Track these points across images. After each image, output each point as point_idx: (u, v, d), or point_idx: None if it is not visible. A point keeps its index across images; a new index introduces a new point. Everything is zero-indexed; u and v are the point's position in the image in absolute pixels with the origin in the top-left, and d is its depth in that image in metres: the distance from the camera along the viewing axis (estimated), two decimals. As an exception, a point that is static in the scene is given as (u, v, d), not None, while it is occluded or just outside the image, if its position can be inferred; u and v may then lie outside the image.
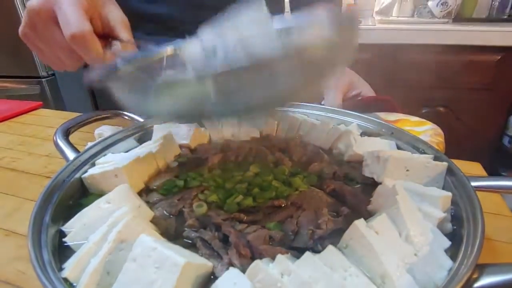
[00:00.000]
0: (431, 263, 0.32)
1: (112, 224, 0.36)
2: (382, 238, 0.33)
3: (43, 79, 2.38)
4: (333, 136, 0.59)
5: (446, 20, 2.23)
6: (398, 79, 2.36)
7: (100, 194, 0.46)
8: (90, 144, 0.55)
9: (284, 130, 0.64)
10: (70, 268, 0.33)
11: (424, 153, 0.51)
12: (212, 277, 0.33)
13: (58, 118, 1.19)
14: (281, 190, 0.46)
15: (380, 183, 0.45)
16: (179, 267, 0.29)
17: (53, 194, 0.43)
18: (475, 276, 0.30)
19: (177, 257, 0.29)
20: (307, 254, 0.31)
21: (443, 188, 0.45)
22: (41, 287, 0.30)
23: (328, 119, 0.65)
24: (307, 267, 0.30)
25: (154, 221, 0.42)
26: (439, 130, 0.71)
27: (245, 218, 0.41)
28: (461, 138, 2.28)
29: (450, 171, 0.45)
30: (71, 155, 0.52)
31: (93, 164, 0.51)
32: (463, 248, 0.33)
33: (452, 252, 0.34)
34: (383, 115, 0.79)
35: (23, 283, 0.48)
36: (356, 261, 0.32)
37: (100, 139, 0.56)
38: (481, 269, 0.31)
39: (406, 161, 0.45)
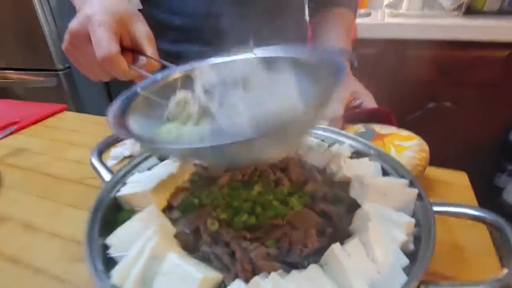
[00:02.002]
0: (390, 279, 0.42)
1: (145, 241, 0.47)
2: (353, 259, 0.43)
3: (59, 72, 2.47)
4: (327, 157, 0.68)
5: (456, 13, 2.22)
6: (405, 74, 2.39)
7: (132, 210, 0.57)
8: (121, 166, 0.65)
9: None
10: (116, 276, 0.44)
11: (402, 177, 0.60)
12: (222, 286, 0.44)
13: (80, 121, 1.30)
14: (280, 210, 0.56)
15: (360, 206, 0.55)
16: (198, 281, 0.39)
17: (97, 213, 0.54)
18: (420, 289, 0.40)
19: (196, 273, 0.40)
20: (293, 272, 0.42)
21: (414, 211, 0.54)
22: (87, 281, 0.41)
23: (325, 137, 0.74)
24: (293, 283, 0.40)
25: (176, 236, 0.52)
26: (425, 146, 0.79)
27: (249, 236, 0.51)
28: (467, 133, 2.32)
29: (419, 196, 0.54)
30: (106, 175, 0.63)
31: (124, 183, 0.62)
32: (415, 265, 0.43)
33: (410, 269, 0.44)
34: (378, 127, 0.87)
35: (71, 279, 0.60)
36: (332, 277, 0.42)
37: (129, 161, 0.66)
38: (425, 285, 0.41)
39: (384, 188, 0.55)
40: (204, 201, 0.60)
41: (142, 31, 0.60)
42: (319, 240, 0.48)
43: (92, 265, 0.43)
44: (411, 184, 0.57)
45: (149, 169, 0.68)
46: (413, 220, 0.49)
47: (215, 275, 0.43)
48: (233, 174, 0.66)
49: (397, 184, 0.56)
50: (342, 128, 0.90)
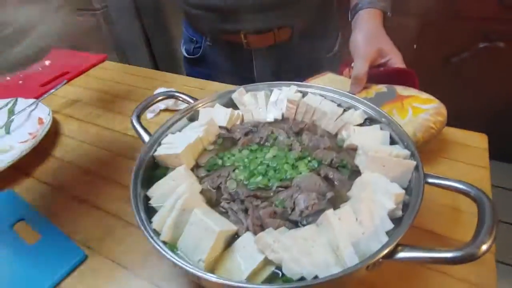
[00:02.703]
0: (373, 240, 0.51)
1: (176, 197, 0.59)
2: (342, 222, 0.52)
3: (97, 11, 2.51)
4: (338, 125, 0.74)
5: None
6: (457, 8, 2.18)
7: (167, 167, 0.69)
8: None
9: (301, 114, 0.79)
10: (155, 223, 0.57)
11: (406, 147, 0.65)
12: (236, 236, 0.56)
13: (122, 72, 1.40)
14: (289, 173, 0.65)
15: (362, 173, 0.62)
16: (216, 233, 0.51)
17: (139, 170, 0.66)
18: (397, 249, 0.49)
19: (215, 226, 0.51)
20: (292, 230, 0.52)
21: (410, 180, 0.60)
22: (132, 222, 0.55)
23: (341, 102, 0.78)
24: (290, 238, 0.51)
25: (202, 192, 0.64)
26: (442, 110, 0.80)
27: (261, 194, 0.61)
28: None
29: (416, 168, 0.60)
30: (145, 136, 0.75)
31: (160, 144, 0.73)
32: (397, 230, 0.51)
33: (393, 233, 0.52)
34: (400, 89, 0.88)
35: (123, 216, 0.76)
36: (323, 236, 0.52)
37: (162, 124, 0.77)
38: (403, 247, 0.49)
39: (384, 159, 0.60)
40: (226, 162, 0.70)
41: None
42: (319, 203, 0.57)
43: (137, 214, 0.56)
44: (412, 156, 0.62)
45: (179, 130, 0.78)
46: (402, 192, 0.55)
47: (230, 228, 0.54)
48: (252, 137, 0.75)
49: (397, 155, 0.62)
50: (365, 87, 0.92)
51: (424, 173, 0.58)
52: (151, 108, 1.09)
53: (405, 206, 0.56)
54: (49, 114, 1.06)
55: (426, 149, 0.81)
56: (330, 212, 0.53)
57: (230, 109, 0.79)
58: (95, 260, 0.70)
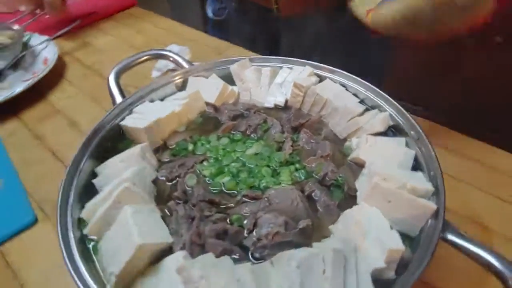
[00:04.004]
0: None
1: (116, 185, 0.47)
2: (303, 273, 0.37)
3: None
4: (351, 128, 0.56)
5: None
6: None
7: (133, 140, 0.58)
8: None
9: (308, 104, 0.62)
10: (86, 210, 0.47)
11: (431, 179, 0.46)
12: (170, 249, 0.43)
13: (147, 22, 1.29)
14: (265, 181, 0.50)
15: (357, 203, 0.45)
16: (135, 246, 0.39)
17: (91, 140, 0.55)
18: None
19: (136, 238, 0.40)
20: (235, 265, 0.38)
21: (421, 230, 0.43)
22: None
23: (365, 97, 0.60)
24: (225, 277, 0.37)
25: (155, 182, 0.52)
26: None
27: (219, 201, 0.48)
28: None
29: (436, 214, 0.42)
30: (118, 98, 0.64)
31: (131, 112, 0.61)
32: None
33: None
34: None
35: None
36: (275, 282, 0.38)
37: (143, 86, 0.64)
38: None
39: (392, 192, 0.43)
40: (197, 149, 0.57)
41: None
42: (283, 234, 0.42)
43: (60, 197, 0.46)
44: (436, 194, 0.44)
45: (161, 99, 0.65)
46: (401, 248, 0.38)
47: (159, 241, 0.42)
48: (238, 123, 0.60)
49: (414, 189, 0.44)
50: None
51: (445, 224, 0.40)
52: (157, 66, 0.97)
53: (403, 265, 0.39)
54: (54, 55, 1.00)
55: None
56: (289, 253, 0.38)
57: (222, 83, 0.64)
58: (44, 227, 0.63)
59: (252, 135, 0.59)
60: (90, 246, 0.45)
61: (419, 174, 0.48)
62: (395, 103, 0.57)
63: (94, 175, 0.53)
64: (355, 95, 0.62)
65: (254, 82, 0.65)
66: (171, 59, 0.70)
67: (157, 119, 0.57)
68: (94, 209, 0.47)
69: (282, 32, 1.09)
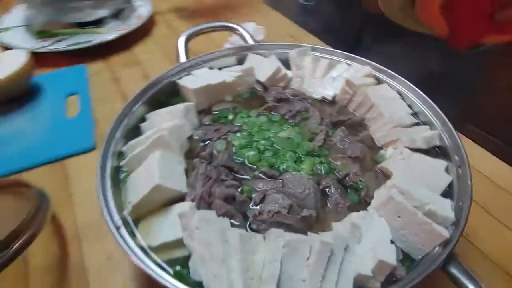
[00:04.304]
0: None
1: (156, 131, 0.53)
2: (287, 254, 0.38)
3: None
4: (391, 136, 0.53)
5: None
6: None
7: (184, 99, 0.64)
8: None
9: (355, 104, 0.60)
10: (128, 146, 0.54)
11: (456, 209, 0.43)
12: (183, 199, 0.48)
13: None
14: (286, 164, 0.51)
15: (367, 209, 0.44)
16: (153, 184, 0.44)
17: (152, 88, 0.62)
18: None
19: (156, 178, 0.45)
20: (231, 229, 0.41)
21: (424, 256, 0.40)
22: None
23: (414, 113, 0.57)
24: (217, 234, 0.40)
25: (190, 138, 0.57)
26: None
27: (237, 170, 0.51)
28: None
29: (446, 244, 0.39)
30: (182, 58, 0.70)
31: (189, 73, 0.67)
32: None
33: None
34: None
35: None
36: (258, 255, 0.40)
37: (206, 53, 0.69)
38: None
39: (406, 210, 0.41)
40: (236, 119, 0.60)
41: None
42: (284, 216, 0.44)
43: (113, 131, 0.53)
44: (456, 225, 0.41)
45: (220, 68, 0.70)
46: (392, 264, 0.37)
47: (174, 188, 0.47)
48: (280, 105, 0.61)
49: (432, 213, 0.41)
50: None
51: (451, 256, 0.38)
52: (231, 40, 1.02)
53: (392, 282, 0.38)
54: (148, 13, 1.11)
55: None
56: (276, 232, 0.39)
57: (277, 66, 0.66)
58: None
59: (290, 120, 0.60)
60: (122, 176, 0.52)
61: (447, 201, 0.45)
62: (450, 125, 0.53)
63: (143, 120, 0.60)
64: (409, 106, 0.59)
65: (309, 70, 0.66)
66: (237, 32, 0.74)
67: (207, 84, 0.61)
68: (133, 147, 0.53)
69: (367, 30, 1.04)
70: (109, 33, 1.06)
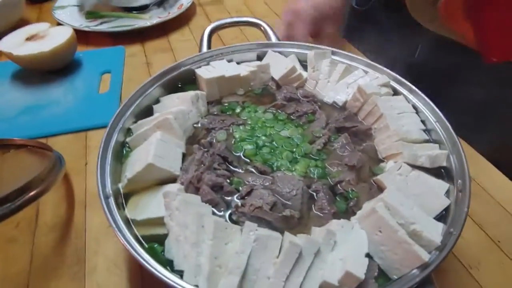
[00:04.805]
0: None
1: (163, 114, 0.56)
2: (256, 248, 0.39)
3: None
4: (393, 149, 0.51)
5: None
6: None
7: (198, 87, 0.66)
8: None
9: (364, 113, 0.58)
10: (135, 125, 0.57)
11: (444, 235, 0.41)
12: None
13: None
14: (280, 163, 0.52)
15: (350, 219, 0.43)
16: (146, 163, 0.47)
17: (169, 74, 0.65)
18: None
19: (150, 157, 0.47)
20: (211, 216, 0.42)
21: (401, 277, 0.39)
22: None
23: (427, 130, 0.54)
24: (191, 218, 0.41)
25: (195, 125, 0.59)
26: None
27: (231, 162, 0.52)
28: None
29: (425, 267, 0.37)
30: (204, 49, 0.72)
31: (208, 63, 0.69)
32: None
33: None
34: None
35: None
36: (231, 245, 0.41)
37: (226, 46, 0.71)
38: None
39: (388, 226, 0.40)
40: (243, 113, 0.61)
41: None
42: (264, 212, 0.44)
43: (124, 109, 0.57)
44: (440, 250, 0.39)
45: (238, 63, 0.71)
46: (360, 278, 0.36)
47: (166, 168, 0.49)
48: (288, 105, 0.62)
49: (417, 234, 0.39)
50: None
51: (426, 279, 0.36)
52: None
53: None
54: (188, 4, 1.16)
55: None
56: (250, 225, 0.40)
57: (292, 65, 0.66)
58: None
59: (295, 120, 0.60)
60: (125, 152, 0.55)
61: (439, 225, 0.42)
62: (460, 146, 0.50)
63: (158, 101, 0.63)
64: (423, 121, 0.56)
65: (324, 73, 0.65)
66: (262, 28, 0.75)
67: (220, 75, 0.63)
68: (141, 126, 0.57)
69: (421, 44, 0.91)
70: (151, 19, 1.12)
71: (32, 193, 0.50)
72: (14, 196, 0.48)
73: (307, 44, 0.71)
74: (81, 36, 1.01)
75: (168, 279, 0.36)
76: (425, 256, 0.37)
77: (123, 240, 0.40)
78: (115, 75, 0.93)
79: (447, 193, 0.47)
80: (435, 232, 0.41)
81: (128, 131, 0.57)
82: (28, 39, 0.89)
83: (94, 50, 1.04)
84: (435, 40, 0.76)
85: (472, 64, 0.67)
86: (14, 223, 0.60)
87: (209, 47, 0.73)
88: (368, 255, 0.40)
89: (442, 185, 0.47)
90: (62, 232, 0.59)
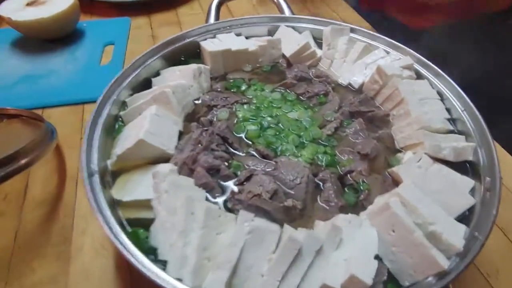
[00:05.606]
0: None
1: (160, 88, 0.51)
2: (249, 241, 0.34)
3: None
4: (414, 139, 0.45)
5: None
6: None
7: (202, 61, 0.61)
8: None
9: (382, 96, 0.52)
10: (131, 99, 0.52)
11: (468, 238, 0.35)
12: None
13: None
14: (285, 147, 0.46)
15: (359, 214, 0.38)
16: (137, 139, 0.42)
17: (171, 45, 0.60)
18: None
19: (141, 133, 0.43)
20: (204, 202, 0.38)
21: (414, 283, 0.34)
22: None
23: (452, 119, 0.48)
24: (178, 198, 0.37)
25: (196, 101, 0.54)
26: None
27: (232, 144, 0.47)
28: None
29: (442, 276, 0.32)
30: (211, 20, 0.66)
31: (214, 36, 0.63)
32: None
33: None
34: None
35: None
36: (225, 234, 0.36)
37: (235, 18, 0.65)
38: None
39: (402, 226, 0.34)
40: (248, 91, 0.56)
41: None
42: (263, 201, 0.39)
43: (119, 81, 0.52)
44: (462, 257, 0.33)
45: (247, 37, 0.65)
46: (367, 282, 0.31)
47: (159, 146, 0.44)
48: (298, 84, 0.56)
49: (436, 236, 0.34)
50: None
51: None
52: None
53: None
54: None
55: None
56: (246, 215, 0.35)
57: (306, 41, 0.59)
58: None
59: (305, 102, 0.54)
60: (117, 126, 0.50)
61: (461, 227, 0.37)
62: (490, 139, 0.44)
63: (158, 74, 0.58)
64: (448, 110, 0.50)
65: (341, 52, 0.58)
66: (275, 1, 0.68)
67: (226, 48, 0.57)
68: (136, 99, 0.52)
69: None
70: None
71: (20, 162, 0.47)
72: (0, 165, 0.45)
73: (324, 19, 0.64)
74: (86, 6, 0.95)
75: (148, 269, 0.32)
76: (444, 263, 0.32)
77: (103, 221, 0.36)
78: (118, 47, 0.88)
79: (472, 191, 0.41)
80: (456, 235, 0.36)
81: (123, 105, 0.53)
82: (28, 4, 0.85)
83: (99, 20, 0.99)
84: None
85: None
86: (1, 194, 0.57)
87: (217, 18, 0.67)
88: (377, 257, 0.35)
89: (467, 182, 0.42)
90: (50, 208, 0.56)
